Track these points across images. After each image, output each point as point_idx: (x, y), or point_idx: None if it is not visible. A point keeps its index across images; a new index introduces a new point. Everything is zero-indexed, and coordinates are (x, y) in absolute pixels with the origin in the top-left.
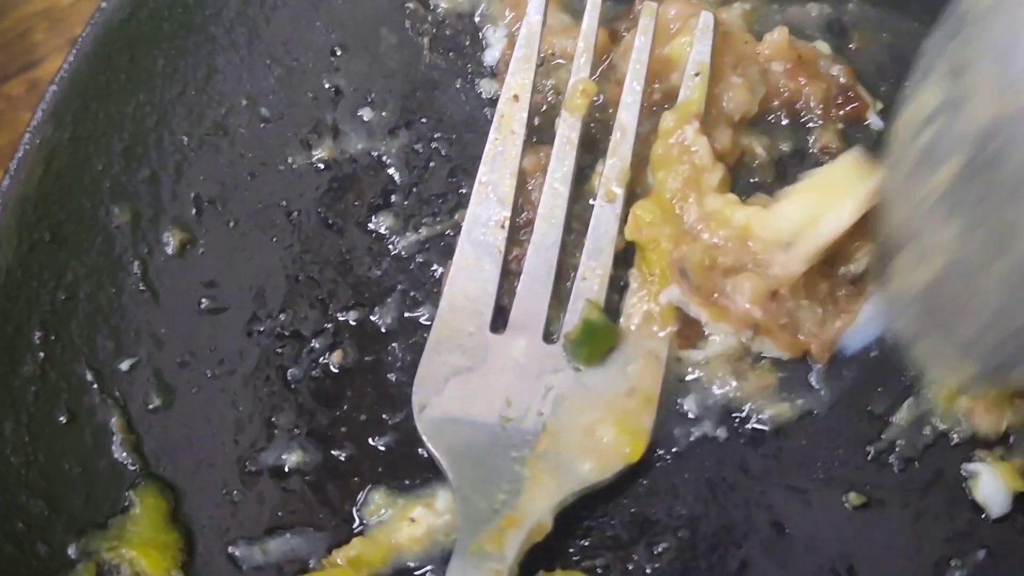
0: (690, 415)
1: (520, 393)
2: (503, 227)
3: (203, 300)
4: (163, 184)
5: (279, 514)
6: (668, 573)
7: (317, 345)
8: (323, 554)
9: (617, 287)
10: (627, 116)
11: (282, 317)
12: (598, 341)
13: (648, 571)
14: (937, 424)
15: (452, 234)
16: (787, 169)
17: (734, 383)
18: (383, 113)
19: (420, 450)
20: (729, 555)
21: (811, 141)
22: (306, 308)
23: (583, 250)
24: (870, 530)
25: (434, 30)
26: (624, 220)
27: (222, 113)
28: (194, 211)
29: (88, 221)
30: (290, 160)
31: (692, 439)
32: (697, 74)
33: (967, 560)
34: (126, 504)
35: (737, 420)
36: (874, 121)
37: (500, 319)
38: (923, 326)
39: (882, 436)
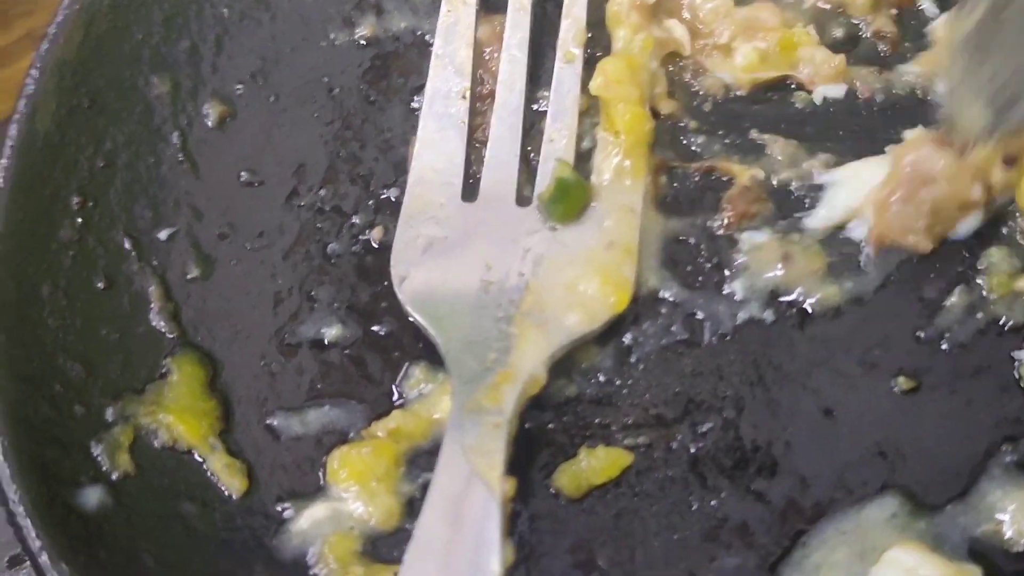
0: (736, 297)
1: (499, 257)
2: (464, 97)
3: (243, 173)
4: (203, 56)
5: (318, 386)
6: (712, 453)
7: (358, 221)
8: (363, 426)
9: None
10: None
11: (322, 192)
12: (572, 198)
13: (692, 450)
14: (991, 309)
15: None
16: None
17: (781, 266)
18: None
19: None
20: (774, 437)
21: (863, 27)
22: (347, 184)
23: (547, 112)
24: (919, 414)
25: None
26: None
27: None
28: (235, 84)
29: (127, 90)
30: (332, 36)
31: (738, 321)
32: None
33: (1019, 445)
34: (163, 371)
35: (784, 303)
36: (927, 7)
37: (472, 188)
38: (958, 74)
39: (933, 321)
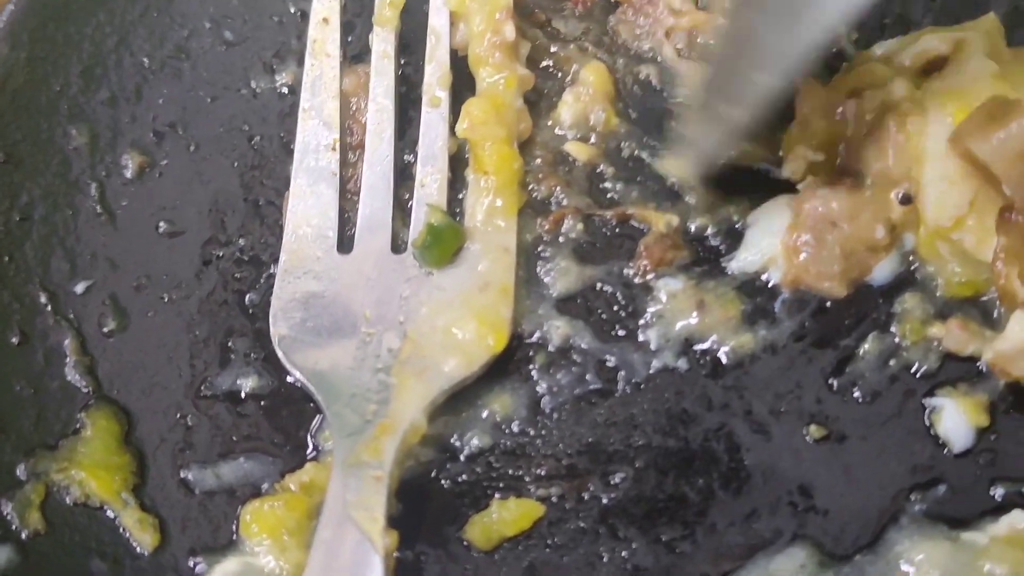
0: (650, 346)
1: (377, 307)
2: (334, 149)
3: (161, 224)
4: (122, 106)
5: (233, 439)
6: (623, 503)
7: (275, 271)
8: (277, 479)
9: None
10: (438, 21)
11: (241, 242)
12: (444, 243)
13: (604, 501)
14: (903, 356)
15: (414, 161)
16: None
17: (696, 314)
18: (348, 39)
19: None
20: (686, 485)
21: None
22: (266, 233)
23: (417, 157)
24: (830, 463)
25: None
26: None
27: (184, 36)
28: (153, 134)
29: (45, 142)
30: (253, 84)
31: (652, 370)
32: None
33: (927, 494)
34: (77, 426)
35: (698, 352)
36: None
37: (348, 239)
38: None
39: (846, 369)
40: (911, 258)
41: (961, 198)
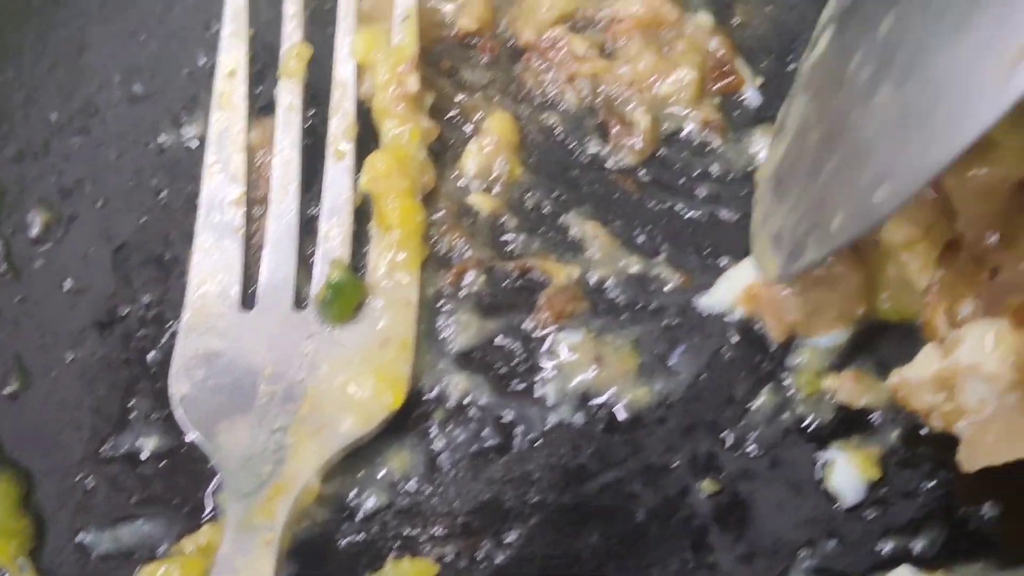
0: (548, 401)
1: (278, 364)
2: (239, 204)
3: (66, 281)
4: (29, 163)
5: (132, 500)
6: (517, 561)
7: (178, 328)
8: (173, 541)
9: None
10: (345, 72)
11: (145, 299)
12: (346, 298)
13: (497, 560)
14: (797, 409)
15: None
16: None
17: (594, 368)
18: (257, 91)
19: None
20: (581, 542)
21: (689, 115)
22: (170, 290)
23: (321, 211)
24: (723, 518)
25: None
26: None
27: (93, 90)
28: (60, 191)
29: None
30: (161, 138)
31: (548, 426)
32: (406, 18)
33: (816, 550)
34: None
35: (595, 406)
36: (751, 96)
37: (251, 295)
38: (759, 217)
39: (740, 422)
40: None
41: (922, 220)
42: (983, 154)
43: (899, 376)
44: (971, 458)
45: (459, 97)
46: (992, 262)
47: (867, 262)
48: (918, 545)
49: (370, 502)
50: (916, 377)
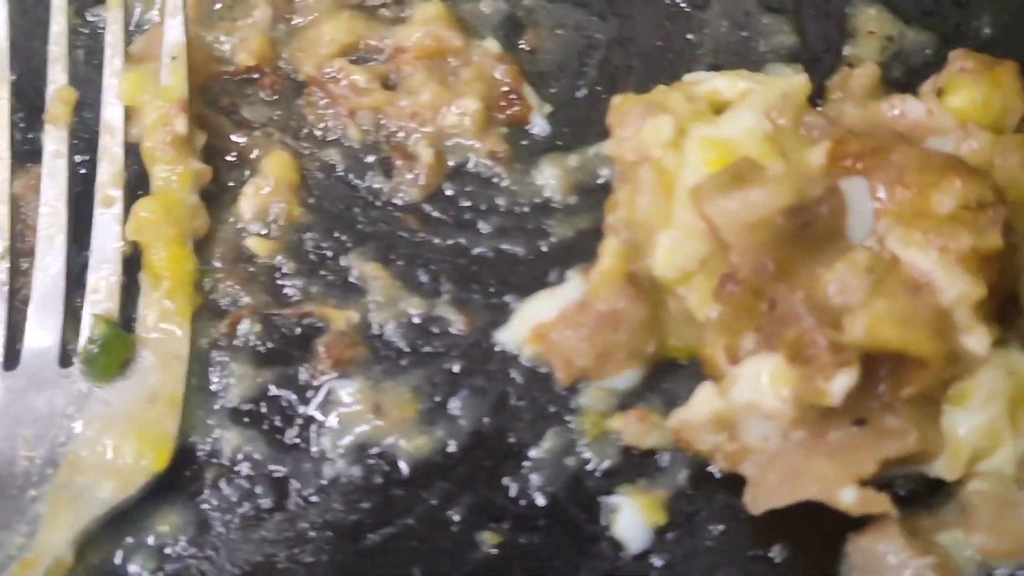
0: (324, 454)
1: (37, 427)
2: (4, 258)
3: None
4: None
5: None
6: None
7: None
8: None
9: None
10: (112, 115)
11: None
12: (111, 355)
13: None
14: (582, 453)
15: None
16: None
17: (372, 417)
18: (26, 137)
19: None
20: None
21: (474, 147)
22: None
23: (90, 262)
24: (506, 571)
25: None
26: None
27: None
28: None
29: None
30: None
31: (324, 480)
32: (174, 57)
33: None
34: None
35: (374, 457)
36: (539, 124)
37: (15, 354)
38: None
39: (522, 469)
40: None
41: (694, 253)
42: (745, 180)
43: (677, 418)
44: (756, 500)
45: (238, 136)
46: (768, 294)
47: (648, 299)
48: None
49: (136, 569)
50: (694, 418)
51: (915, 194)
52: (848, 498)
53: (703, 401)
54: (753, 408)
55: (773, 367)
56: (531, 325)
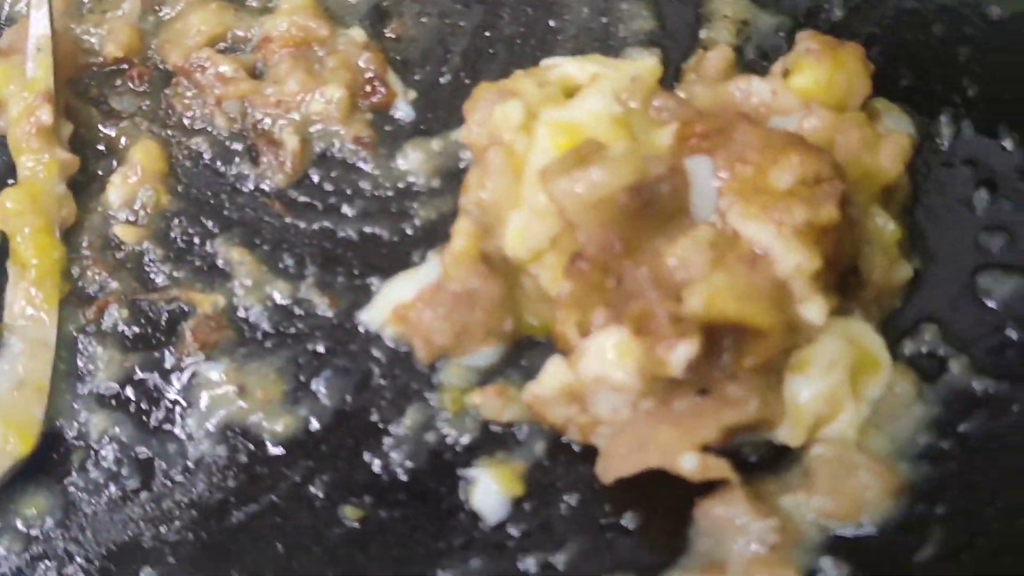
0: (190, 435)
1: None
2: None
3: None
4: None
5: None
6: None
7: None
8: None
9: None
10: None
11: None
12: None
13: None
14: (442, 429)
15: None
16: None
17: (237, 398)
18: None
19: None
20: None
21: (339, 133)
22: None
23: None
24: (365, 544)
25: None
26: None
27: None
28: None
29: None
30: None
31: (189, 461)
32: (39, 49)
33: (457, 571)
34: None
35: (238, 437)
36: (403, 110)
37: None
38: None
39: (383, 444)
40: None
41: (544, 233)
42: (589, 161)
43: (531, 392)
44: (606, 470)
45: (107, 125)
46: (616, 270)
47: (502, 278)
48: (560, 560)
49: (2, 551)
50: (545, 392)
51: (755, 171)
52: (688, 464)
53: (553, 375)
54: (601, 381)
55: (618, 340)
56: (392, 306)
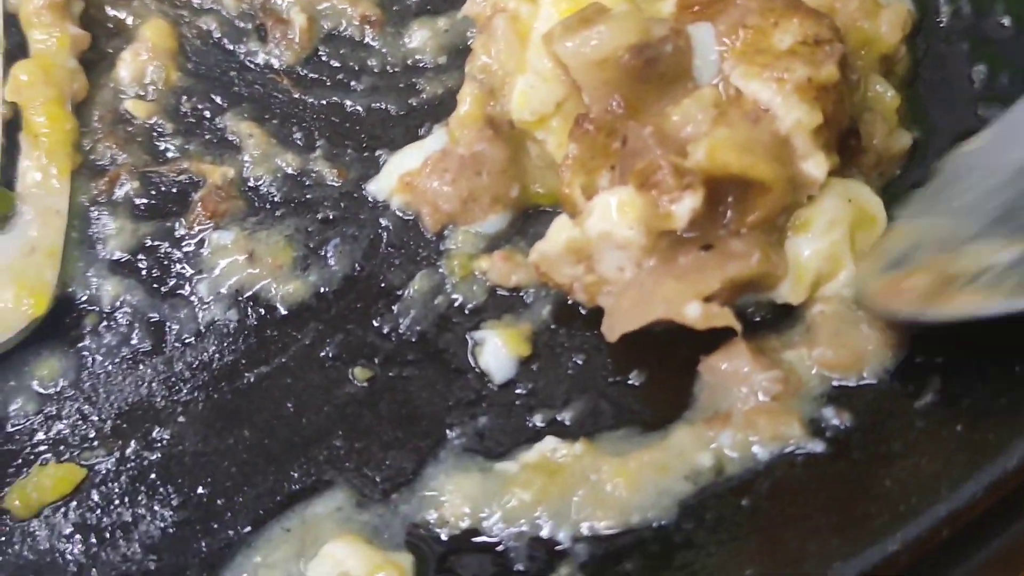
0: (201, 300)
1: None
2: None
3: None
4: None
5: None
6: (165, 461)
7: None
8: None
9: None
10: None
11: None
12: None
13: (146, 460)
14: (451, 293)
15: None
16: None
17: (247, 264)
18: None
19: None
20: (232, 437)
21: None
22: None
23: None
24: (375, 404)
25: None
26: None
27: None
28: None
29: None
30: None
31: (201, 325)
32: None
33: (467, 428)
34: None
35: (249, 302)
36: None
37: None
38: None
39: (393, 309)
40: None
41: (549, 97)
42: (592, 23)
43: (537, 251)
44: (612, 327)
45: (116, 6)
46: (621, 132)
47: (508, 142)
48: (567, 416)
49: (17, 410)
50: (551, 250)
51: (757, 34)
52: (692, 313)
53: (559, 231)
54: (607, 238)
55: (623, 197)
56: (399, 175)
